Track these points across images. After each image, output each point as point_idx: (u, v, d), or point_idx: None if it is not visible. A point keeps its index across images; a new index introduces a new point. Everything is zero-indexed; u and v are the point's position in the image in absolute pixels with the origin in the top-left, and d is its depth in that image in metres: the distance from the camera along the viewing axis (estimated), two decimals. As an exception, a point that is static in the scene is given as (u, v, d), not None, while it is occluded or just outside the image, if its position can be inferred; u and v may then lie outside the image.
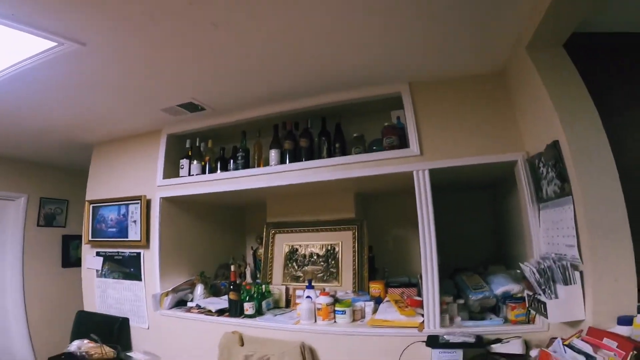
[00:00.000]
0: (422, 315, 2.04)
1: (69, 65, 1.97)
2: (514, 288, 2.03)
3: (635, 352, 1.22)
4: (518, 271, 2.07)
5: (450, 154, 2.12)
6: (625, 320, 1.38)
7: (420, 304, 2.12)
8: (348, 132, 2.53)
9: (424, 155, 2.17)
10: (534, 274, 1.69)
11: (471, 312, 2.10)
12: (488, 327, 1.94)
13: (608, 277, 1.49)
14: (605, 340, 1.34)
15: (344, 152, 2.45)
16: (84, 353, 2.43)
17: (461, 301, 2.09)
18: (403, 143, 2.27)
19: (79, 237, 3.44)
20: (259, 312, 2.49)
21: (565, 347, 1.46)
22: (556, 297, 1.62)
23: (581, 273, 1.58)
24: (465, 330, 1.90)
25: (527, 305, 1.88)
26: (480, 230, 2.87)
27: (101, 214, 3.08)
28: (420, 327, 1.99)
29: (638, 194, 1.54)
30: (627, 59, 1.95)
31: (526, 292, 1.91)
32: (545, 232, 1.87)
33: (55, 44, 1.77)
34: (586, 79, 1.67)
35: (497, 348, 1.80)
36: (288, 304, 2.69)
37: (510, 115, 2.10)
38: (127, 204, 2.94)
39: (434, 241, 2.05)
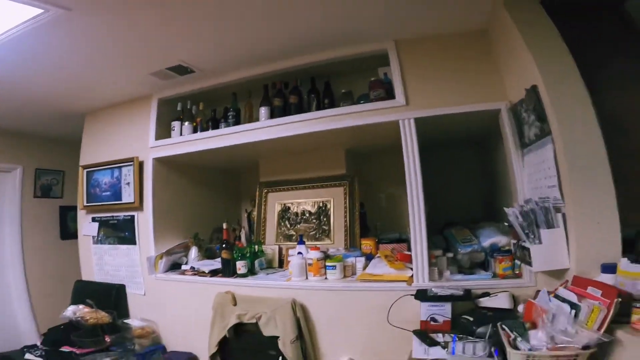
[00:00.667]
0: (412, 270, 2.05)
1: (56, 32, 1.94)
2: (501, 240, 2.04)
3: (619, 299, 1.22)
4: (506, 224, 2.05)
5: (435, 103, 2.12)
6: (609, 268, 1.37)
7: (410, 259, 2.13)
8: (337, 90, 2.52)
9: (409, 105, 2.16)
10: (518, 217, 1.68)
11: (460, 267, 2.12)
12: (476, 281, 1.95)
13: (590, 220, 1.48)
14: (590, 289, 1.34)
15: (333, 107, 2.42)
16: (79, 318, 2.44)
17: (450, 255, 2.10)
18: (390, 96, 2.24)
19: (76, 208, 3.37)
20: (251, 272, 2.51)
21: (551, 297, 1.47)
22: (540, 242, 1.60)
23: (564, 215, 1.57)
24: (454, 284, 1.92)
25: (513, 254, 1.88)
26: (470, 189, 2.89)
27: (95, 178, 3.06)
28: (410, 281, 2.01)
29: (617, 142, 1.52)
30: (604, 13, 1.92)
31: (512, 240, 1.90)
32: (529, 177, 1.87)
33: (41, 10, 1.74)
34: (563, 34, 1.69)
35: (484, 302, 1.82)
36: (281, 264, 2.71)
37: (493, 68, 2.09)
38: (120, 167, 2.91)
39: (421, 191, 2.05)
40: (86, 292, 2.83)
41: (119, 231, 2.96)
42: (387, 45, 2.23)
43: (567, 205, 1.55)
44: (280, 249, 2.76)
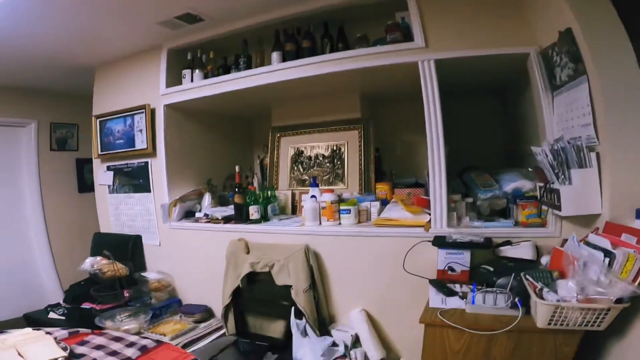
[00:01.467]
0: (429, 215, 1.93)
1: None
2: (525, 185, 1.89)
3: (657, 247, 1.09)
4: (530, 169, 1.91)
5: (457, 46, 1.91)
6: (647, 213, 1.23)
7: (427, 204, 2.01)
8: (351, 35, 2.32)
9: (429, 48, 1.96)
10: (547, 156, 1.53)
11: (480, 214, 1.98)
12: (497, 228, 1.83)
13: (627, 160, 1.35)
14: (624, 237, 1.21)
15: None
16: (97, 271, 2.43)
17: (470, 200, 1.96)
18: (408, 39, 2.04)
19: (92, 160, 3.37)
20: (264, 218, 2.44)
21: (581, 244, 1.34)
22: (570, 183, 1.46)
23: (597, 155, 1.42)
24: (474, 230, 1.80)
25: (539, 198, 1.73)
26: (490, 137, 2.74)
27: (108, 127, 3.03)
28: (427, 226, 1.89)
29: None
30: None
31: (537, 184, 1.75)
32: (559, 118, 1.70)
33: None
34: None
35: (506, 251, 1.71)
36: (294, 210, 2.64)
37: (519, 12, 1.87)
38: (133, 115, 2.86)
39: (441, 131, 1.90)
40: (104, 244, 2.83)
41: (134, 179, 2.95)
42: None
43: (602, 144, 1.40)
44: (293, 195, 2.67)
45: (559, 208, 1.47)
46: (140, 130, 2.81)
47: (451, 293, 1.59)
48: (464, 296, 1.55)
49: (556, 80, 1.69)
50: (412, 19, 1.99)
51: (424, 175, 2.54)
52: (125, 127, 2.92)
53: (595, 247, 1.27)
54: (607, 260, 1.18)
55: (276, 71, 2.31)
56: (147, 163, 2.85)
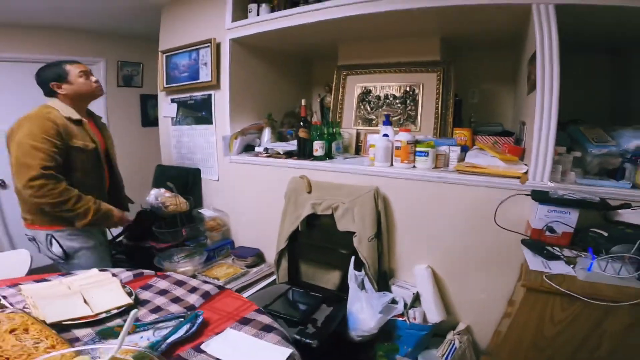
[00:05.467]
0: (526, 166, 1.62)
1: None
2: (652, 144, 1.50)
3: None
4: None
5: None
6: None
7: (521, 153, 1.68)
8: None
9: None
10: None
11: (586, 171, 1.64)
12: (611, 188, 1.49)
13: None
14: None
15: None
16: (160, 204, 2.29)
17: (577, 154, 1.61)
18: None
19: (154, 97, 3.40)
20: (328, 155, 2.21)
21: None
22: None
23: None
24: (582, 188, 1.47)
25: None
26: (595, 94, 2.29)
27: (174, 61, 2.92)
28: (524, 178, 1.58)
29: None
30: None
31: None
32: None
33: None
34: None
35: (624, 215, 1.38)
36: (358, 150, 2.41)
37: None
38: (198, 49, 2.73)
39: (557, 73, 1.52)
40: (166, 176, 2.77)
41: (196, 111, 2.85)
42: None
43: None
44: (358, 134, 2.43)
45: None
46: (205, 64, 2.68)
47: (553, 257, 1.30)
48: (570, 262, 1.25)
49: None
50: None
51: (509, 125, 2.20)
52: (190, 60, 2.80)
53: None
54: None
55: (350, 5, 1.95)
56: (210, 96, 2.72)
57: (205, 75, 2.68)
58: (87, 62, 3.63)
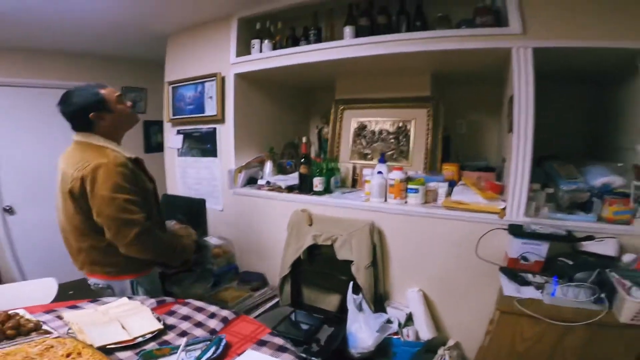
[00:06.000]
0: (504, 202, 1.87)
1: None
2: (616, 181, 1.77)
3: None
4: (619, 164, 1.80)
5: (561, 35, 1.75)
6: None
7: (501, 190, 1.93)
8: (430, 14, 2.17)
9: (527, 34, 1.81)
10: None
11: (559, 206, 1.88)
12: (579, 222, 1.73)
13: None
14: None
15: (426, 30, 2.11)
16: None
17: (550, 190, 1.87)
18: (497, 25, 1.92)
19: (158, 123, 3.55)
20: (327, 190, 2.44)
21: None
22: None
23: None
24: (553, 222, 1.72)
25: (631, 200, 1.62)
26: (571, 124, 2.55)
27: (180, 93, 3.11)
28: (502, 213, 1.83)
29: None
30: None
31: (634, 183, 1.65)
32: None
33: None
34: None
35: (587, 246, 1.63)
36: (354, 183, 2.64)
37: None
38: (203, 82, 2.93)
39: (531, 120, 1.79)
40: (172, 206, 2.94)
41: (202, 143, 3.03)
42: None
43: None
44: (354, 168, 2.67)
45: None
46: (210, 97, 2.88)
47: (525, 282, 1.54)
48: (540, 287, 1.49)
49: None
50: (507, 1, 1.84)
51: (493, 159, 2.45)
52: (195, 93, 3.00)
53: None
54: None
55: (349, 46, 2.23)
56: (215, 129, 2.92)
57: (210, 109, 2.88)
58: None
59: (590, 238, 1.63)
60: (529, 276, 1.59)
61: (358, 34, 2.26)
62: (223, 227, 2.91)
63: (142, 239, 1.54)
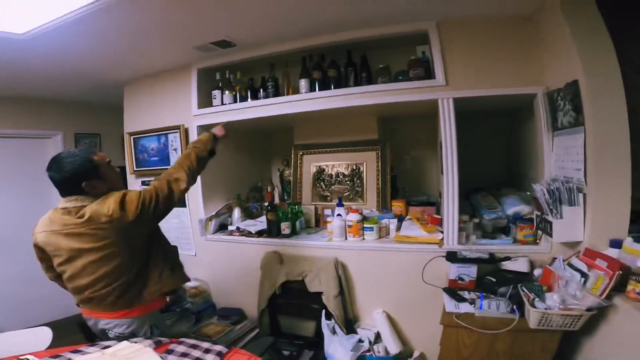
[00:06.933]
0: (442, 233, 2.38)
1: (114, 13, 2.08)
2: (524, 209, 2.32)
3: (620, 272, 1.53)
4: (528, 193, 2.35)
5: (475, 85, 2.28)
6: (616, 243, 1.67)
7: (439, 222, 2.44)
8: (373, 63, 2.65)
9: (449, 85, 2.33)
10: (545, 194, 1.95)
11: (484, 231, 2.42)
12: (499, 245, 2.27)
13: (606, 202, 1.78)
14: (598, 261, 1.65)
15: (370, 82, 2.60)
16: None
17: (476, 220, 2.41)
18: (428, 74, 2.42)
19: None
20: (294, 232, 2.85)
21: (565, 265, 1.79)
22: (561, 217, 1.89)
23: (584, 196, 1.85)
24: (480, 247, 2.24)
25: (535, 226, 2.19)
26: (494, 155, 3.12)
27: (142, 144, 3.33)
28: (440, 243, 2.34)
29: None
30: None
31: (535, 212, 2.20)
32: (557, 157, 2.12)
33: None
34: (612, 27, 1.79)
35: (506, 265, 2.15)
36: (317, 222, 3.06)
37: (534, 53, 2.23)
38: (167, 134, 3.16)
39: (456, 162, 2.30)
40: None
41: None
42: (429, 26, 2.35)
43: (589, 188, 1.82)
44: (316, 209, 3.10)
45: (550, 235, 1.93)
46: (175, 149, 3.11)
47: (462, 299, 2.04)
48: (472, 302, 1.99)
49: (558, 123, 2.09)
50: (434, 57, 2.33)
51: (431, 193, 2.99)
52: (159, 145, 3.21)
53: (575, 268, 1.72)
54: (582, 279, 1.64)
55: (305, 100, 2.66)
56: None
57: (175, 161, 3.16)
58: (44, 135, 4.02)
59: (507, 258, 2.17)
60: (466, 294, 2.08)
61: (312, 85, 2.68)
62: (197, 269, 3.16)
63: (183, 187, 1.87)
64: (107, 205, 1.63)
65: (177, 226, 3.24)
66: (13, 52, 2.52)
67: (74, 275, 1.74)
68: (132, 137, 3.38)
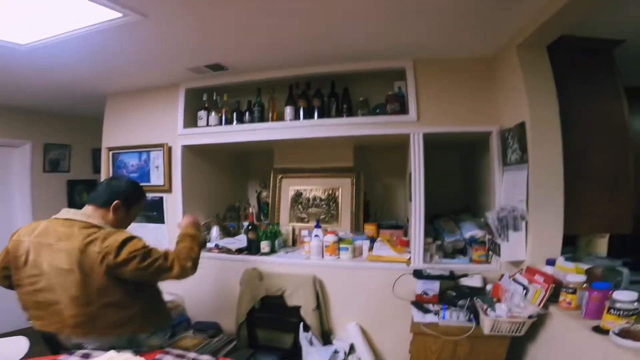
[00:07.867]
0: (409, 253, 2.78)
1: (121, 33, 2.21)
2: (478, 233, 2.76)
3: (554, 285, 1.97)
4: (482, 219, 2.79)
5: (441, 121, 2.71)
6: (551, 262, 2.12)
7: (407, 244, 2.85)
8: (354, 94, 3.01)
9: (420, 121, 2.73)
10: (495, 221, 2.40)
11: (445, 252, 2.84)
12: (458, 264, 2.69)
13: (543, 227, 2.22)
14: (536, 276, 2.08)
15: (350, 113, 2.97)
16: None
17: (439, 242, 2.83)
18: (403, 109, 2.81)
19: (83, 182, 3.74)
20: (272, 251, 3.14)
21: (511, 280, 2.23)
22: (507, 240, 2.33)
23: (526, 223, 2.27)
24: (442, 266, 2.65)
25: (487, 248, 2.64)
26: (454, 183, 3.58)
27: (121, 159, 3.45)
28: (408, 262, 2.73)
29: (577, 166, 2.21)
30: (593, 60, 2.36)
31: (487, 236, 2.65)
32: (506, 189, 2.56)
33: (119, 15, 1.98)
34: (557, 70, 2.21)
35: (464, 281, 2.56)
36: (294, 242, 3.38)
37: (492, 95, 2.67)
38: (149, 151, 3.30)
39: (423, 192, 2.70)
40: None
41: (147, 210, 3.35)
42: (406, 64, 2.74)
43: (530, 216, 2.25)
44: (293, 229, 3.42)
45: (499, 255, 2.38)
46: (157, 167, 3.25)
47: (427, 311, 2.43)
48: (437, 313, 2.39)
49: (507, 159, 2.49)
50: (409, 93, 2.71)
51: (400, 217, 3.41)
52: (140, 162, 3.34)
53: (519, 283, 2.16)
54: (524, 292, 2.08)
55: (290, 128, 2.98)
56: (162, 198, 3.30)
57: (157, 178, 3.26)
58: (12, 144, 4.00)
59: (465, 275, 2.58)
60: (430, 306, 2.47)
61: (297, 113, 2.98)
62: (173, 285, 3.26)
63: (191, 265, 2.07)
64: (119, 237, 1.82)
65: (153, 242, 3.21)
66: (8, 61, 2.61)
67: (44, 289, 1.76)
68: (110, 152, 3.47)
